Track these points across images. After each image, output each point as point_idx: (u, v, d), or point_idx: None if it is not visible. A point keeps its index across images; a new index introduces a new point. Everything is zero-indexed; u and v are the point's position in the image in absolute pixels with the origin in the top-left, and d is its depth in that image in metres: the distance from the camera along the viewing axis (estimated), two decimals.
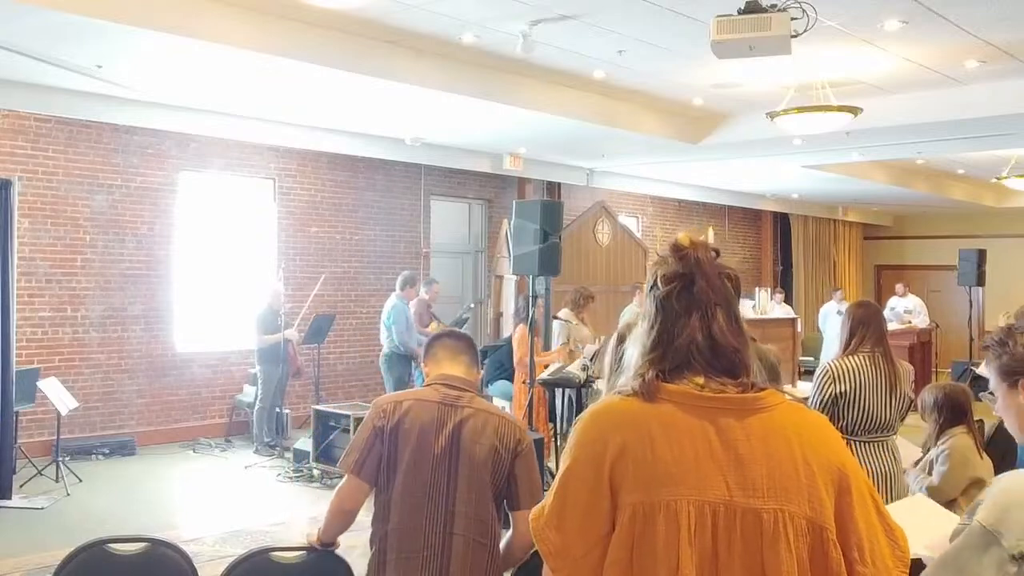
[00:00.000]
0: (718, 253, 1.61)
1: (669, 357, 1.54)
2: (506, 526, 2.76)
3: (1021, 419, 1.93)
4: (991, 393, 2.02)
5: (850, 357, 3.89)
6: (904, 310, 13.90)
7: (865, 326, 3.95)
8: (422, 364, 3.00)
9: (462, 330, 8.52)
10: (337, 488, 2.79)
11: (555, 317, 9.47)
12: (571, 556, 1.49)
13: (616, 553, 1.47)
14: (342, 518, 2.79)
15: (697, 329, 1.53)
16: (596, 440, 1.52)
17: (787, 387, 4.01)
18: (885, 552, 1.49)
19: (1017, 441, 2.03)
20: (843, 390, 3.81)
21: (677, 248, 1.58)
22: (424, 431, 2.69)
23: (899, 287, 14.51)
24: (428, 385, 2.85)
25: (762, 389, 1.54)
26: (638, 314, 1.67)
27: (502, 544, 2.72)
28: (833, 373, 3.85)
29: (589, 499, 1.50)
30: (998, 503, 1.68)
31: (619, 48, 6.88)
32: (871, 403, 3.81)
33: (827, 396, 3.83)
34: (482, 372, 3.04)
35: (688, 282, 1.55)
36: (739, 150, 10.15)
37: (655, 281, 1.59)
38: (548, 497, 1.55)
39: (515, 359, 8.22)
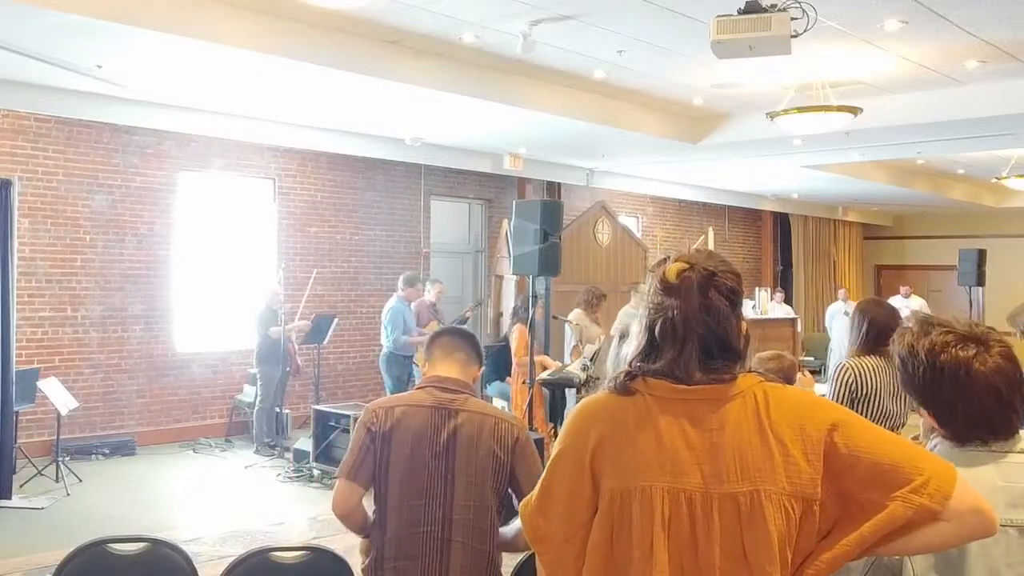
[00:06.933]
0: (712, 273, 1.60)
1: (652, 370, 1.61)
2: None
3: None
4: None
5: (867, 356, 3.86)
6: (911, 312, 13.88)
7: (888, 329, 3.90)
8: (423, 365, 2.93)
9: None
10: (332, 495, 2.72)
11: (555, 317, 9.47)
12: (555, 540, 1.61)
13: (597, 537, 1.57)
14: (349, 522, 2.72)
15: (674, 360, 1.59)
16: (579, 432, 1.63)
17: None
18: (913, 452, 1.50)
19: None
20: (864, 390, 3.80)
21: (664, 283, 1.61)
22: (418, 438, 2.64)
23: (903, 289, 14.52)
24: (420, 388, 2.77)
25: (736, 376, 1.58)
26: (633, 316, 1.70)
27: (510, 531, 2.66)
28: (855, 372, 3.82)
29: (571, 487, 1.60)
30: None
31: (619, 48, 6.88)
32: (887, 402, 3.81)
33: (846, 395, 3.80)
34: (484, 368, 2.95)
35: (671, 314, 1.59)
36: (739, 150, 10.14)
37: (650, 296, 1.64)
38: (536, 487, 1.68)
39: (514, 359, 8.21)
